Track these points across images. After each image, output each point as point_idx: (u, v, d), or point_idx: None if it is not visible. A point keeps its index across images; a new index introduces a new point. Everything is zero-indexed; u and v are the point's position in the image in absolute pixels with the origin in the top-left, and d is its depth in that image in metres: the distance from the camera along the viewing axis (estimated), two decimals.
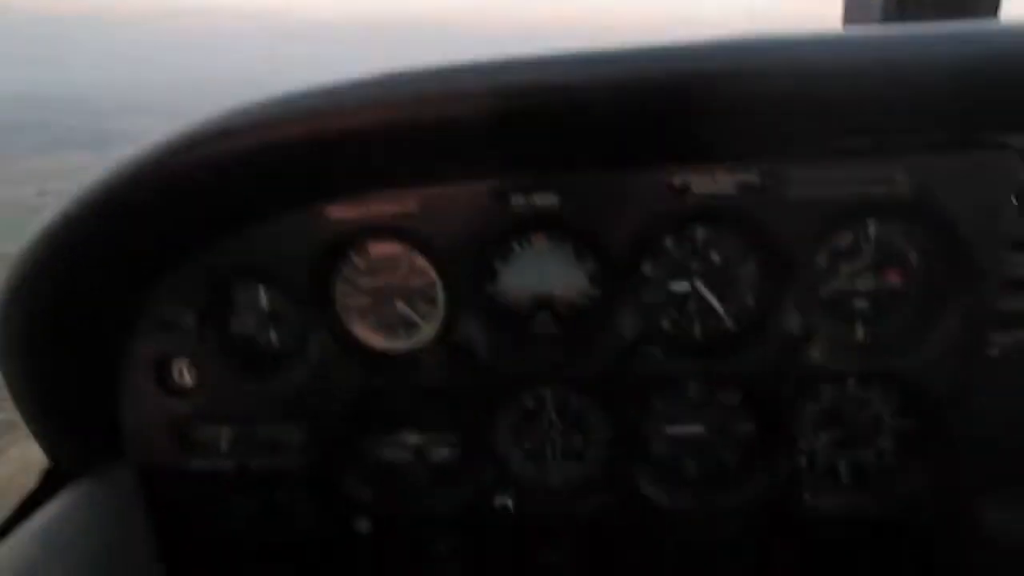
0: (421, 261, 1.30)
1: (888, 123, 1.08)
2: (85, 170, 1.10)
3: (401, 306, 1.33)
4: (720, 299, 1.27)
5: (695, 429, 1.37)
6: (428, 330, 1.34)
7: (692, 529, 1.41)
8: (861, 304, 1.24)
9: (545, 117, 1.04)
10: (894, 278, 1.22)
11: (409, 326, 1.34)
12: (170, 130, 1.07)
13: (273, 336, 1.38)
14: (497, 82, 1.02)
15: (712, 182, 1.14)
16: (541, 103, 1.02)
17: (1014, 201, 1.11)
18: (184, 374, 1.39)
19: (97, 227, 1.12)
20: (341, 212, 1.22)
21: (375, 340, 1.36)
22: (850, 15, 1.46)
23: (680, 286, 1.27)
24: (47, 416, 1.31)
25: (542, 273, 1.29)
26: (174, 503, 1.46)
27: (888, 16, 1.33)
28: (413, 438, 1.43)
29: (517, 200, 1.18)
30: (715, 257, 1.25)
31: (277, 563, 1.51)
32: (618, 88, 1.01)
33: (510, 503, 1.38)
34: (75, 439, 1.36)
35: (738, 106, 1.04)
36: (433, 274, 1.30)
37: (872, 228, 1.19)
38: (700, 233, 1.23)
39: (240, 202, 1.19)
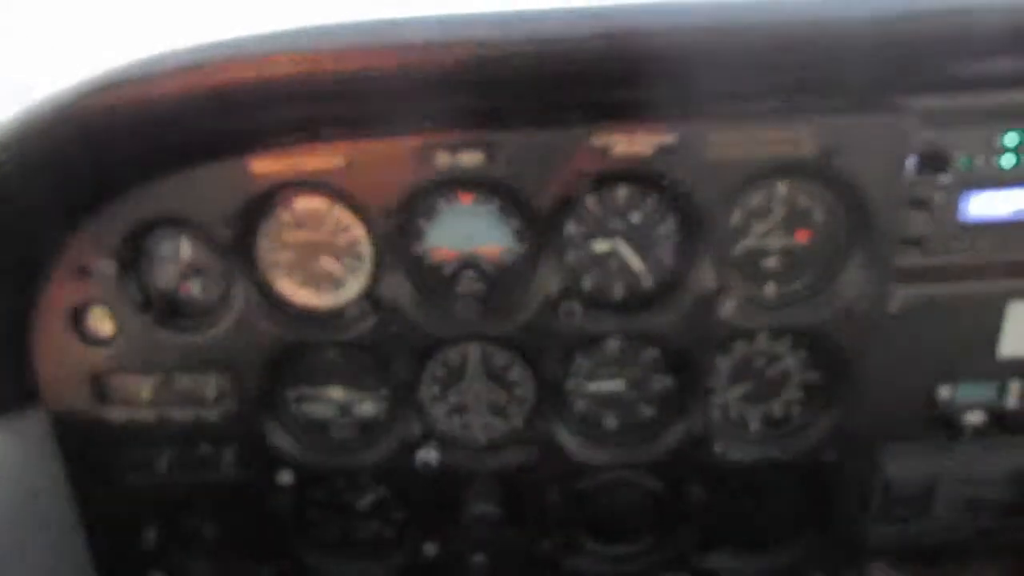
0: (347, 217, 1.29)
1: (795, 84, 1.13)
2: None
3: (326, 261, 1.33)
4: (640, 258, 1.31)
5: (615, 385, 1.42)
6: (353, 286, 1.34)
7: (611, 481, 1.47)
8: (771, 262, 1.30)
9: (468, 74, 1.04)
10: (802, 237, 1.28)
11: (334, 282, 1.35)
12: (89, 73, 1.04)
13: (195, 287, 1.36)
14: (421, 39, 1.03)
15: (632, 143, 1.17)
16: (464, 60, 1.02)
17: (912, 161, 1.18)
18: (102, 323, 1.36)
19: (10, 169, 1.08)
20: (265, 165, 1.21)
21: (299, 295, 1.36)
22: None
23: (602, 245, 1.30)
24: None
25: (468, 231, 1.31)
26: (90, 452, 1.44)
27: None
28: (338, 393, 1.44)
29: (443, 157, 1.19)
30: (635, 217, 1.28)
31: (196, 514, 1.51)
32: (539, 46, 1.02)
33: (434, 457, 1.41)
34: None
35: (654, 66, 1.07)
36: (359, 230, 1.30)
37: (782, 188, 1.25)
38: (621, 193, 1.27)
39: (159, 149, 1.17)
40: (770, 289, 1.32)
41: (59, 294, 1.31)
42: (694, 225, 1.26)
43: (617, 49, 1.02)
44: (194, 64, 1.01)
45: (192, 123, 1.09)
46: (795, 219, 1.27)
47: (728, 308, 1.28)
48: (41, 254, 1.27)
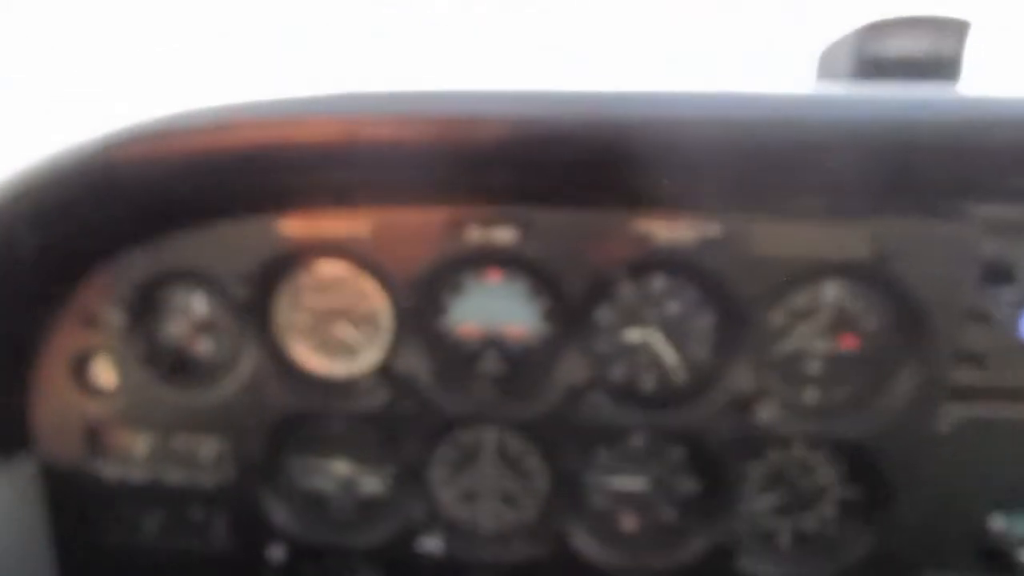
0: (369, 285, 1.24)
1: (849, 185, 1.07)
2: None
3: (343, 328, 1.27)
4: (674, 351, 1.23)
5: (637, 483, 1.33)
6: (369, 357, 1.28)
7: None
8: (814, 366, 1.22)
9: (507, 151, 1.00)
10: (849, 342, 1.20)
11: (350, 351, 1.28)
12: (113, 126, 1.01)
13: (204, 345, 1.30)
14: (462, 112, 0.98)
15: (674, 231, 1.11)
16: (504, 138, 0.98)
17: (974, 273, 1.10)
18: (104, 374, 1.31)
19: (26, 216, 1.04)
20: (290, 226, 1.17)
21: (312, 362, 1.29)
22: (823, 72, 1.46)
23: (633, 335, 1.23)
24: None
25: (493, 309, 1.24)
26: (77, 506, 1.37)
27: (857, 76, 1.32)
28: (342, 467, 1.36)
29: (473, 232, 1.14)
30: (671, 308, 1.21)
31: None
32: (584, 129, 0.97)
33: (439, 545, 1.31)
34: None
35: (702, 158, 1.01)
36: (380, 300, 1.25)
37: (829, 290, 1.17)
38: (658, 282, 1.20)
39: (181, 204, 1.13)
40: (811, 395, 1.23)
41: (64, 341, 1.26)
42: (734, 321, 1.18)
43: (664, 136, 0.97)
44: (226, 122, 0.97)
45: (219, 181, 1.05)
46: (842, 323, 1.19)
47: (765, 412, 1.19)
48: (50, 300, 1.23)
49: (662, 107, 0.99)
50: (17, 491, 1.32)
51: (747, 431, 1.22)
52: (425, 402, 1.25)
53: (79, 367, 1.29)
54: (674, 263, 1.15)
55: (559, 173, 1.05)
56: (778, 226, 1.11)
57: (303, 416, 1.29)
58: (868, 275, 1.14)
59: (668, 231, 1.11)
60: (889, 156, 1.00)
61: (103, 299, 1.22)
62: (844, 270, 1.14)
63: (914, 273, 1.11)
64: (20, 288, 1.18)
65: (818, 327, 1.20)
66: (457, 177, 1.09)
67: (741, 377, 1.20)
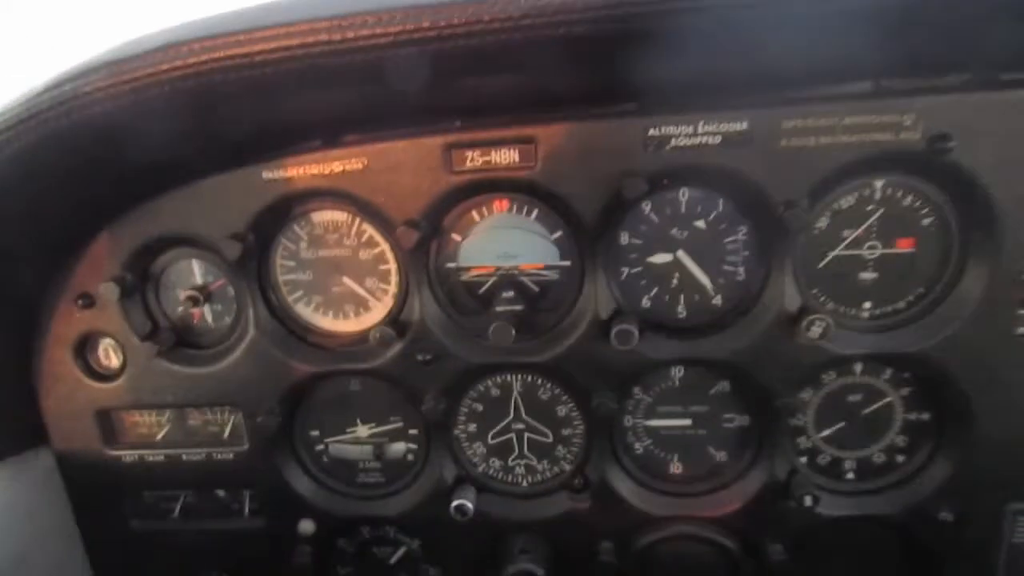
0: (370, 230, 1.15)
1: (893, 60, 0.93)
2: None
3: (347, 282, 1.18)
4: (706, 271, 1.11)
5: (680, 423, 1.21)
6: (378, 310, 1.19)
7: (675, 536, 1.25)
8: (867, 275, 1.08)
9: (504, 42, 0.87)
10: (904, 245, 1.06)
11: (356, 305, 1.20)
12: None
13: (209, 315, 1.23)
14: (439, 14, 0.86)
15: (695, 132, 0.99)
16: (500, 25, 0.85)
17: None
18: (108, 355, 1.25)
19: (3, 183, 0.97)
20: (277, 172, 1.08)
21: (319, 320, 1.21)
22: None
23: (661, 256, 1.11)
24: None
25: (504, 244, 1.14)
26: (99, 495, 1.33)
27: None
28: (364, 431, 1.28)
29: (472, 156, 1.03)
30: (700, 223, 1.09)
31: (211, 564, 1.36)
32: (591, 9, 0.84)
33: (470, 503, 1.22)
34: None
35: (719, 36, 0.88)
36: (383, 245, 1.15)
37: (878, 186, 1.04)
38: (683, 195, 1.08)
39: (161, 156, 1.04)
40: (866, 309, 1.10)
41: (63, 324, 1.21)
42: (771, 231, 1.06)
43: (674, 10, 0.83)
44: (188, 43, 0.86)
45: (201, 124, 0.96)
46: (895, 224, 1.05)
47: (814, 332, 1.06)
48: (43, 282, 1.17)
49: None
50: (37, 487, 1.27)
51: (796, 356, 1.09)
52: (441, 350, 1.15)
53: (82, 350, 1.24)
54: (698, 168, 1.02)
55: (563, 69, 0.93)
56: (811, 116, 0.98)
57: (315, 378, 1.21)
58: (922, 164, 1.00)
59: (688, 132, 0.99)
60: (939, 19, 0.86)
61: (96, 275, 1.16)
62: (894, 160, 1.00)
63: (975, 157, 0.97)
64: (12, 268, 1.12)
65: (868, 230, 1.06)
66: (451, 88, 0.98)
67: (784, 294, 1.07)
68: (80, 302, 1.18)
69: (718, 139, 0.99)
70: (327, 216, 1.15)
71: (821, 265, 1.09)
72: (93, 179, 1.05)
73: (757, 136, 0.98)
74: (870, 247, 1.07)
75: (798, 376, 1.12)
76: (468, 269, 1.16)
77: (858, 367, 1.15)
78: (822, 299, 1.10)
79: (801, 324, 1.05)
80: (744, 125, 0.98)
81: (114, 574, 1.38)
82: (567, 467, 1.25)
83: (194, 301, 1.19)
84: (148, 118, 0.89)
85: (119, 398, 1.25)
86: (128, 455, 1.29)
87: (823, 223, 1.07)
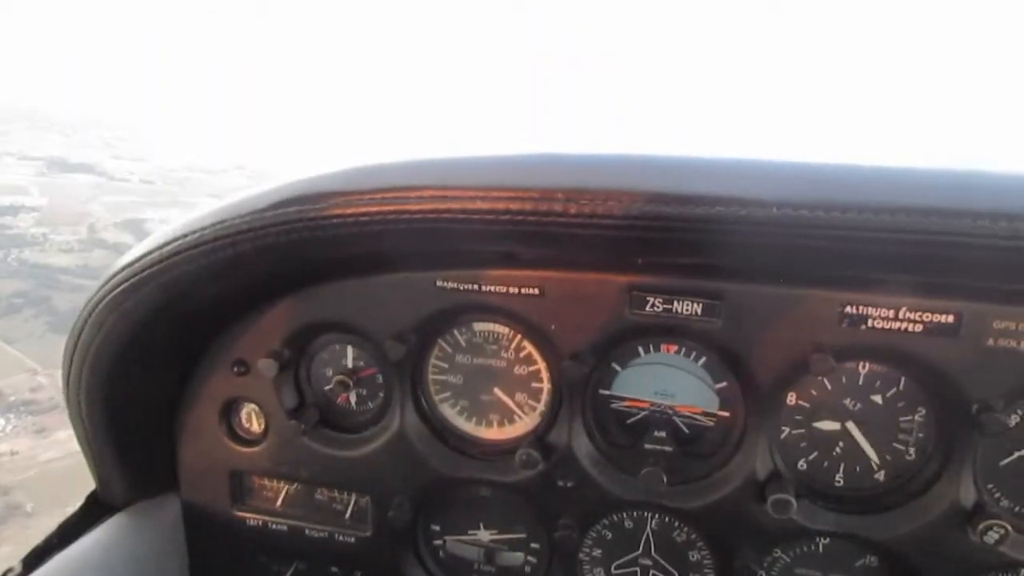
0: (529, 347, 1.14)
1: None
2: None
3: (499, 392, 1.18)
4: (873, 445, 1.07)
5: None
6: (526, 424, 1.18)
7: None
8: None
9: (694, 229, 0.86)
10: None
11: (504, 416, 1.19)
12: (270, 186, 0.96)
13: (353, 399, 1.24)
14: (652, 186, 0.85)
15: (896, 317, 0.95)
16: (690, 214, 0.84)
17: None
18: (252, 421, 1.28)
19: (196, 268, 1.00)
20: (451, 282, 1.08)
21: (462, 424, 1.21)
22: None
23: (828, 424, 1.07)
24: (103, 440, 1.20)
25: (665, 383, 1.12)
26: (218, 551, 1.35)
27: None
28: (486, 536, 1.27)
29: (654, 303, 1.01)
30: (877, 398, 1.05)
31: None
32: (790, 205, 0.82)
33: None
34: (128, 467, 1.26)
35: (933, 236, 0.84)
36: (541, 364, 1.15)
37: None
38: (864, 368, 1.04)
39: (341, 260, 1.07)
40: None
41: (216, 387, 1.24)
42: (956, 425, 1.01)
43: (895, 216, 0.80)
44: (398, 188, 0.88)
45: (383, 245, 0.97)
46: None
47: (990, 537, 0.99)
48: (206, 345, 1.21)
49: (895, 180, 0.83)
50: (161, 532, 1.31)
51: (964, 551, 1.03)
52: (584, 478, 1.14)
53: (228, 413, 1.27)
54: (891, 352, 0.98)
55: (756, 252, 0.91)
56: (1021, 315, 0.92)
57: (450, 480, 1.21)
58: None
59: (888, 316, 0.95)
60: None
61: (257, 348, 1.18)
62: None
63: None
64: (180, 334, 1.16)
65: None
66: (640, 250, 0.97)
67: (960, 488, 1.02)
68: (236, 368, 1.21)
69: (919, 327, 0.94)
70: (489, 327, 1.15)
71: (1003, 463, 1.03)
72: (279, 266, 1.07)
73: (963, 332, 0.93)
74: None
75: (959, 572, 1.06)
76: (622, 399, 1.14)
77: None
78: (997, 495, 1.04)
79: (977, 525, 0.99)
80: (951, 319, 0.93)
81: None
82: None
83: (344, 386, 1.20)
84: (364, 239, 0.91)
85: (255, 464, 1.28)
86: (253, 518, 1.32)
87: (1013, 420, 1.01)
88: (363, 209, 0.87)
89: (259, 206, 0.91)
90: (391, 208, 0.87)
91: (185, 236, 0.96)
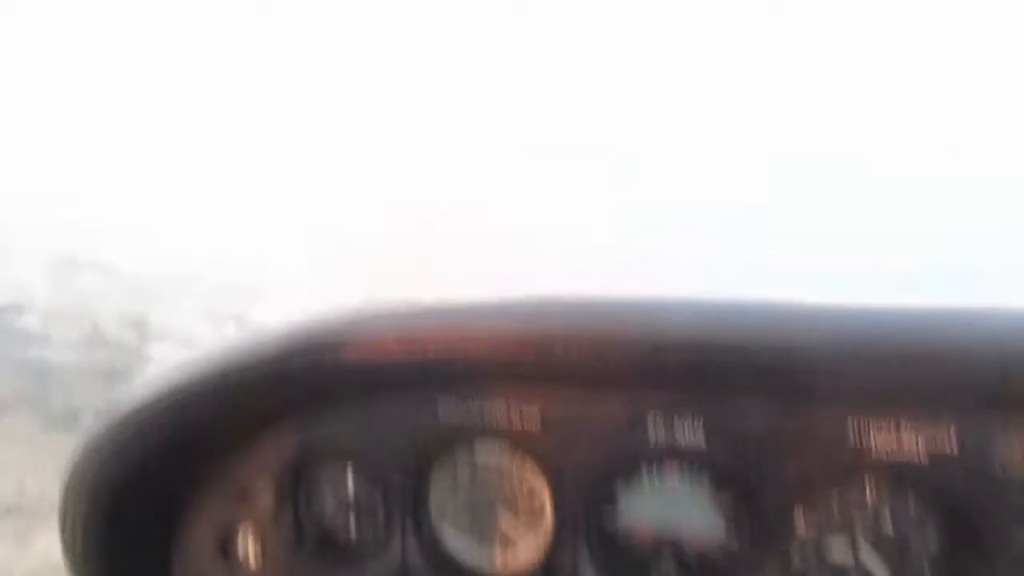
0: (531, 473, 1.13)
1: None
2: None
3: (501, 518, 1.16)
4: (887, 569, 1.04)
5: None
6: (527, 551, 1.15)
7: None
8: None
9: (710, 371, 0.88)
10: None
11: (506, 541, 1.17)
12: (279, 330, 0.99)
13: (353, 528, 1.22)
14: (656, 331, 0.88)
15: (897, 442, 0.94)
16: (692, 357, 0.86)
17: None
18: (250, 550, 1.25)
19: (207, 409, 1.02)
20: (453, 408, 1.09)
21: (465, 552, 1.18)
22: None
23: (841, 553, 1.05)
24: (95, 562, 1.18)
25: (672, 511, 1.10)
26: None
27: None
28: None
29: (657, 429, 1.01)
30: (886, 523, 1.03)
31: None
32: (800, 349, 0.84)
33: None
34: None
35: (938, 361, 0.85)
36: (543, 489, 1.13)
37: None
38: (870, 493, 1.02)
39: (340, 387, 1.08)
40: None
41: (213, 513, 1.22)
42: (967, 548, 0.98)
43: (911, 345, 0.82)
44: (410, 331, 0.91)
45: (387, 379, 0.99)
46: None
47: None
48: (202, 472, 1.20)
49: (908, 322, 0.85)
50: None
51: None
52: None
53: (226, 541, 1.24)
54: (896, 479, 0.97)
55: (756, 385, 0.92)
56: None
57: None
58: None
59: (890, 442, 0.95)
60: None
61: (258, 474, 1.17)
62: None
63: None
64: (181, 460, 1.15)
65: None
66: (642, 377, 0.98)
67: None
68: (235, 496, 1.20)
69: (923, 455, 0.94)
70: (492, 454, 1.14)
71: None
72: (284, 396, 1.08)
73: (968, 456, 0.92)
74: None
75: None
76: (628, 529, 1.12)
77: None
78: None
79: None
80: (954, 445, 0.93)
81: None
82: None
83: (344, 513, 1.19)
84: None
85: None
86: None
87: None
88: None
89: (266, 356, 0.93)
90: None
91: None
